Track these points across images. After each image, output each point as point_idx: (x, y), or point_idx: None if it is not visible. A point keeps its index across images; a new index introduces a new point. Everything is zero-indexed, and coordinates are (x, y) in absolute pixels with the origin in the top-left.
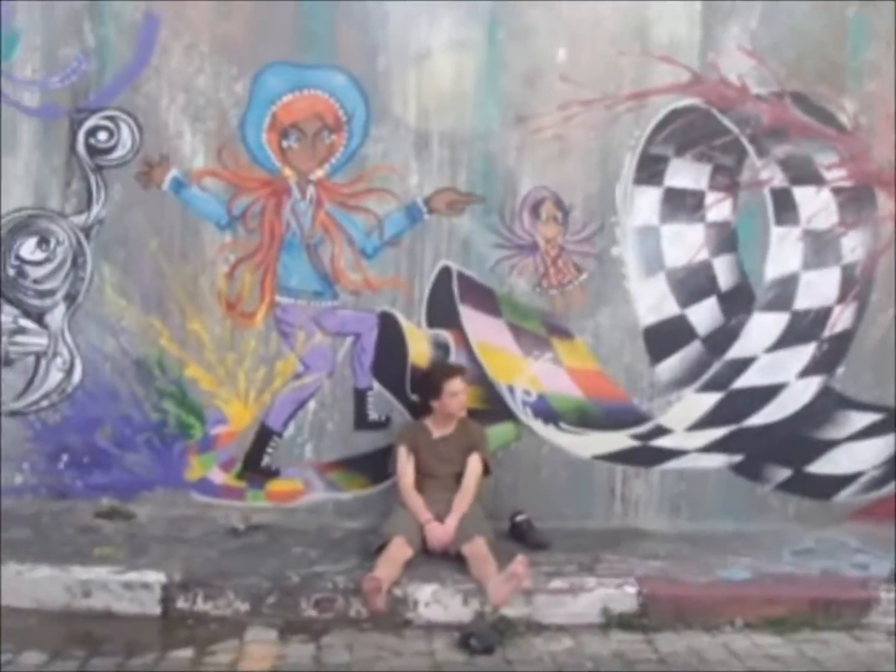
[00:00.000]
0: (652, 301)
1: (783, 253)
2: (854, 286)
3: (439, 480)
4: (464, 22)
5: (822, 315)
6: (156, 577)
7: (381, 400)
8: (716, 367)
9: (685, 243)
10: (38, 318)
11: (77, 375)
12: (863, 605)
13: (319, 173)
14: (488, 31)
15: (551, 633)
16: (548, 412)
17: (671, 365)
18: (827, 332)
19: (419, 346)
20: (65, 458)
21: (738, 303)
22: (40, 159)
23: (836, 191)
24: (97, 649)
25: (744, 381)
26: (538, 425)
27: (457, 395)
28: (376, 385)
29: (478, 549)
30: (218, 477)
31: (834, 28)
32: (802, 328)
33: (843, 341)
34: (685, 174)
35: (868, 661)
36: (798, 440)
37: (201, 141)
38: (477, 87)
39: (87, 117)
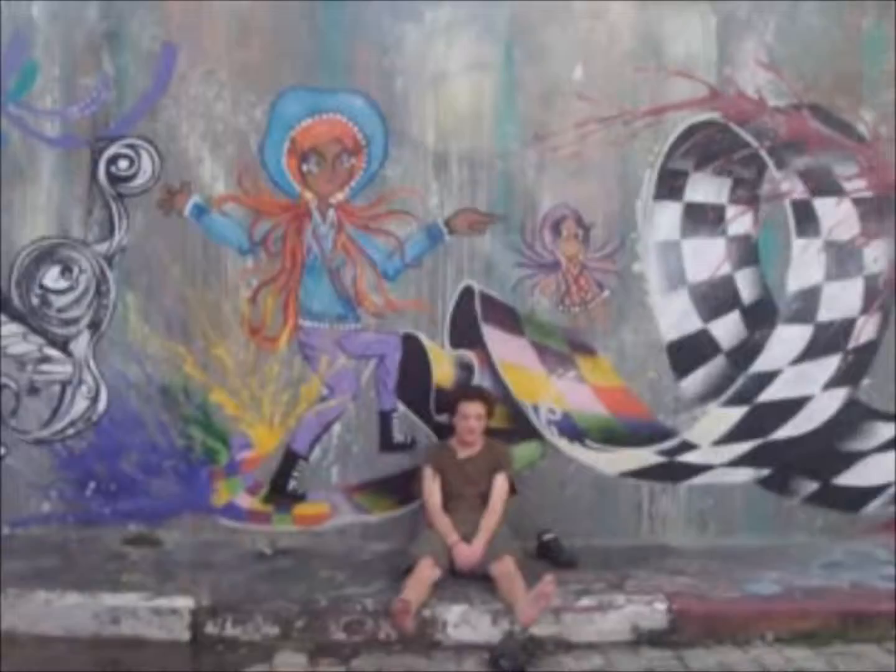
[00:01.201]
0: (675, 316)
1: (805, 265)
2: (877, 297)
3: (466, 501)
4: (480, 43)
5: (846, 326)
6: (184, 603)
7: (406, 422)
8: (740, 381)
9: (707, 258)
10: (63, 346)
11: (102, 403)
12: (893, 618)
13: (340, 196)
14: (504, 51)
15: (581, 652)
16: (573, 430)
17: (695, 380)
18: (851, 344)
19: (443, 367)
20: (91, 485)
21: (762, 316)
22: (62, 188)
23: (857, 201)
24: None
25: (769, 395)
26: (563, 443)
27: (467, 418)
28: (401, 407)
29: (506, 569)
30: (244, 501)
31: (850, 39)
32: (826, 340)
33: (867, 352)
34: (705, 188)
35: None
36: (825, 453)
37: (221, 167)
38: (494, 106)
39: (107, 146)
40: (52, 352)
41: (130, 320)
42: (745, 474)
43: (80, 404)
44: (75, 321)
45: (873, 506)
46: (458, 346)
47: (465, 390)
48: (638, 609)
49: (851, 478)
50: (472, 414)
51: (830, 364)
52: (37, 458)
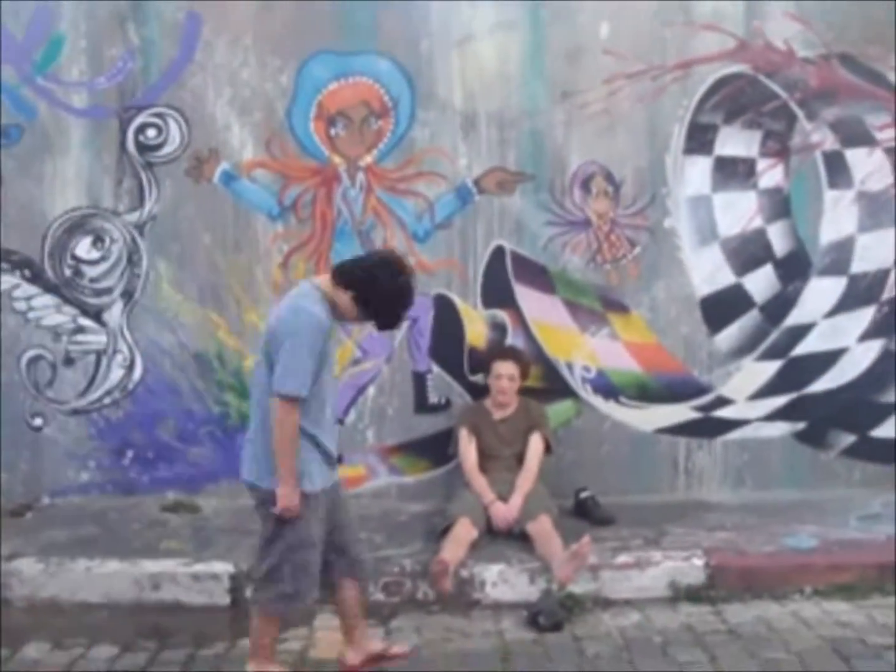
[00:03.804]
0: (707, 271)
1: (838, 216)
2: None
3: (502, 461)
4: (505, 2)
5: (880, 278)
6: (223, 568)
7: (440, 382)
8: (775, 334)
9: (738, 211)
10: (97, 316)
11: (137, 372)
12: None
13: (368, 159)
14: (530, 11)
15: (619, 608)
16: (608, 387)
17: (729, 335)
18: (886, 295)
19: (476, 327)
20: (129, 454)
21: (795, 269)
22: (91, 159)
23: (889, 151)
24: (167, 641)
25: (804, 348)
26: (598, 401)
27: (499, 378)
28: (435, 368)
29: (542, 528)
30: None
31: None
32: (860, 292)
33: None
34: (735, 142)
35: None
36: (861, 405)
37: (249, 133)
38: (521, 66)
39: (135, 115)
40: (87, 322)
41: (163, 288)
42: (781, 428)
43: (116, 373)
44: (108, 291)
45: None
46: (491, 305)
47: (498, 350)
48: (675, 565)
49: (888, 429)
50: (504, 374)
51: (865, 316)
52: (74, 428)
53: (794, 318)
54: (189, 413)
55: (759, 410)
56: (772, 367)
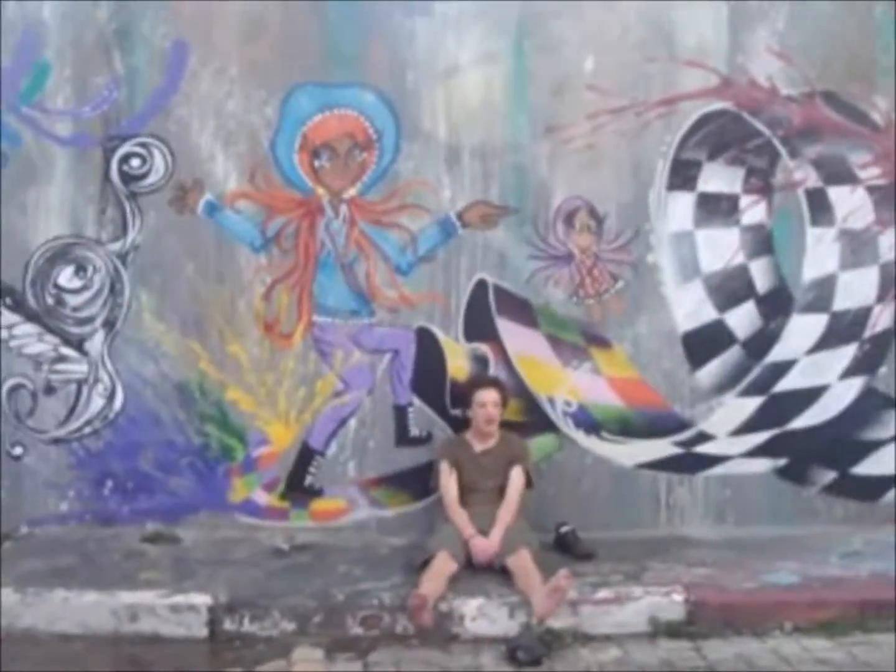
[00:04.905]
0: (689, 307)
1: (820, 254)
2: (893, 285)
3: (482, 494)
4: (491, 35)
5: (862, 315)
6: (202, 600)
7: (421, 416)
8: (756, 370)
9: (721, 248)
10: (78, 345)
11: (118, 401)
12: None
13: (352, 191)
14: (515, 44)
15: (598, 644)
16: (589, 422)
17: (711, 370)
18: (867, 332)
19: (457, 361)
20: (109, 484)
21: (777, 305)
22: (75, 188)
23: (871, 189)
24: None
25: (785, 385)
26: (580, 436)
27: (484, 406)
28: (416, 401)
29: (522, 562)
30: (261, 498)
31: (862, 26)
32: (842, 329)
33: (884, 341)
34: (718, 178)
35: None
36: (843, 442)
37: (233, 164)
38: (506, 99)
39: (119, 145)
40: (68, 351)
41: (145, 318)
42: (763, 464)
43: (97, 403)
44: (90, 320)
45: (892, 494)
46: (473, 339)
47: (478, 379)
48: (655, 600)
49: (870, 467)
50: (489, 401)
51: (847, 353)
52: (54, 458)
53: (775, 354)
54: (170, 443)
55: (740, 446)
56: (753, 404)
